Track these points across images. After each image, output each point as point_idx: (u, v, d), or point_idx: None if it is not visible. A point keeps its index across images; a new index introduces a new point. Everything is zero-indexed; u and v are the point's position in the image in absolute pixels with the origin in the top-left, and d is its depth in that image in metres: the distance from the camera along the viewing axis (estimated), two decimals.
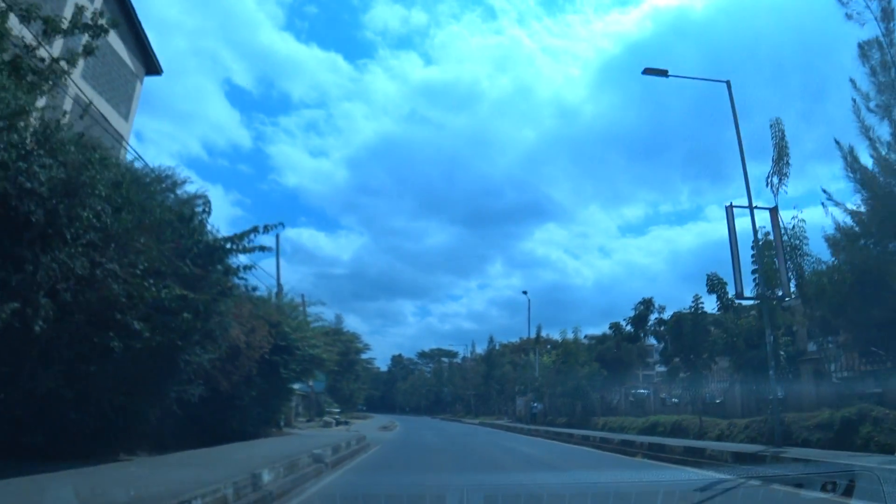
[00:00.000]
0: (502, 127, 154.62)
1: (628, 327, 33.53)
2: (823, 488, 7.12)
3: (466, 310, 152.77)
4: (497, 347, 72.67)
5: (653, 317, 25.40)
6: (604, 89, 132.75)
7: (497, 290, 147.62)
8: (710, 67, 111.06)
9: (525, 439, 26.65)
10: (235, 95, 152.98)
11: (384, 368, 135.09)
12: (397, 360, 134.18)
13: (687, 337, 20.18)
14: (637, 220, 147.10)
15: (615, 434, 23.64)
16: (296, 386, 23.03)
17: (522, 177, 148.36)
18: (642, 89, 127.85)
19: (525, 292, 50.24)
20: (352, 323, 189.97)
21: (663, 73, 16.29)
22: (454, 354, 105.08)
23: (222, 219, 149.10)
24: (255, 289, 16.87)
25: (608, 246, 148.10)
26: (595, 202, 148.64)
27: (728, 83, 16.15)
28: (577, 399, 35.10)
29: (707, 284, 19.07)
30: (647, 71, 16.27)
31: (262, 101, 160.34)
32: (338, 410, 41.92)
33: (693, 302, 20.44)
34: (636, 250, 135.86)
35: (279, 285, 24.23)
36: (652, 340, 31.13)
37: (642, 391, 35.27)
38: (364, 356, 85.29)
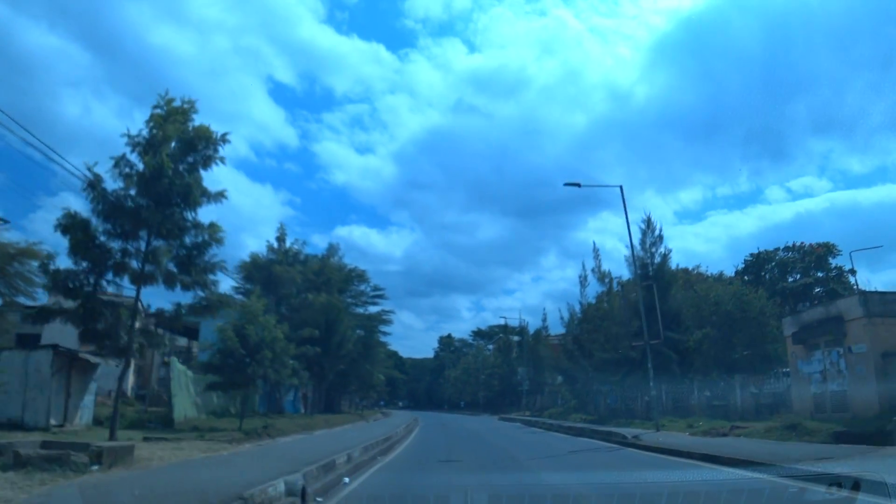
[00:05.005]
0: (552, 113, 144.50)
1: None
2: None
3: (521, 303, 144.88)
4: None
5: None
6: (657, 69, 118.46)
7: (552, 282, 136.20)
8: (771, 38, 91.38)
9: None
10: (279, 93, 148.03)
11: (430, 355, 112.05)
12: (446, 343, 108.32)
13: None
14: (694, 205, 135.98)
15: None
16: None
17: (574, 164, 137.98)
18: (699, 67, 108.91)
19: None
20: (406, 319, 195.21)
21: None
22: (522, 331, 68.18)
23: (273, 220, 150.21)
24: None
25: (665, 233, 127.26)
26: (650, 187, 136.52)
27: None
28: None
29: None
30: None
31: (305, 98, 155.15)
32: None
33: None
34: (693, 237, 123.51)
35: None
36: None
37: None
38: (376, 309, 44.90)
